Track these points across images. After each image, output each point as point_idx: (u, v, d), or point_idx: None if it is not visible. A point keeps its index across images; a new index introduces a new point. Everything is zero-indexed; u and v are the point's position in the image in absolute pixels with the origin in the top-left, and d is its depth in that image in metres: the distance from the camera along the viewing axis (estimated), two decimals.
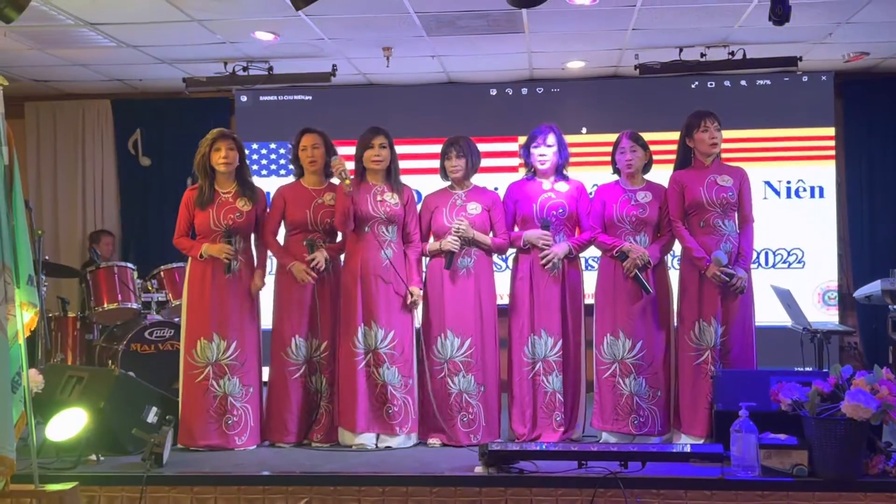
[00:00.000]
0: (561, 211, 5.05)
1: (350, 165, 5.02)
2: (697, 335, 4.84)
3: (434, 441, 4.99)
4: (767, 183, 7.54)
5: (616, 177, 5.12)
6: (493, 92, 7.83)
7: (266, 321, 5.19)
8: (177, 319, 6.34)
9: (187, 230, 5.11)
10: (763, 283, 6.15)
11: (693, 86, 7.59)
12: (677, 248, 5.06)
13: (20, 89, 7.84)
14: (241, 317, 5.03)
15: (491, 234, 5.12)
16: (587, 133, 7.63)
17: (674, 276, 5.06)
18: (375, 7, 5.53)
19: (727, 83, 7.60)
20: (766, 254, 7.51)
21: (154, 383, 5.21)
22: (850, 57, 7.13)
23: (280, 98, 7.93)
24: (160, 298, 6.63)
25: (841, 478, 3.97)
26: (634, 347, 4.91)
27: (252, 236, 5.15)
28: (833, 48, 6.94)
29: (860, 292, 6.62)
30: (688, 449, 4.30)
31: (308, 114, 7.61)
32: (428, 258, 5.17)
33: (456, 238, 4.98)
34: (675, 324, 4.98)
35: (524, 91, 7.81)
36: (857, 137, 7.69)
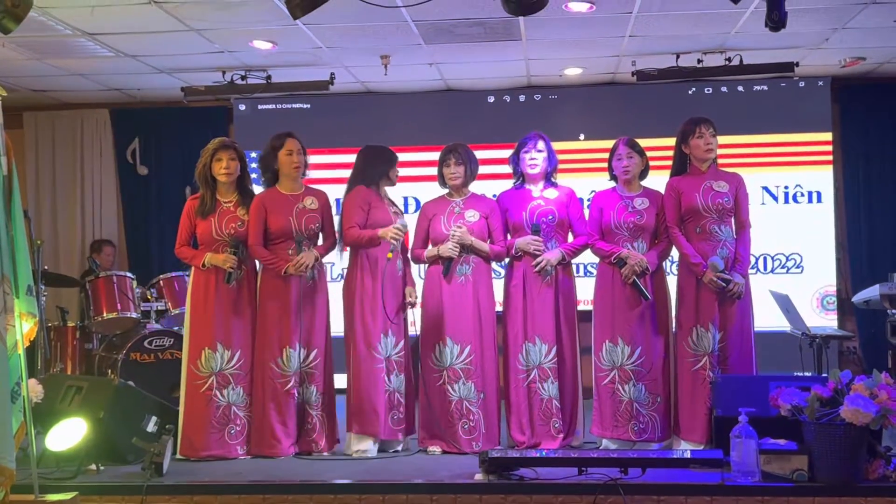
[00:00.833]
0: (551, 217, 5.05)
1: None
2: (695, 341, 4.85)
3: (434, 448, 5.00)
4: (765, 188, 7.55)
5: (613, 183, 5.14)
6: (491, 99, 7.85)
7: None
8: (176, 328, 6.34)
9: (189, 239, 5.11)
10: (762, 288, 6.15)
11: (690, 92, 7.61)
12: (675, 254, 5.07)
13: (19, 99, 7.85)
14: (244, 326, 5.03)
15: (489, 242, 5.13)
16: (585, 139, 7.65)
17: (672, 283, 5.08)
18: (373, 15, 5.55)
19: (724, 89, 7.62)
20: (765, 259, 7.52)
21: (154, 392, 5.22)
22: (847, 62, 7.15)
23: (278, 106, 7.94)
24: (159, 307, 6.62)
25: (841, 482, 3.97)
26: (633, 354, 4.91)
27: None
28: (829, 53, 6.96)
29: (859, 297, 6.63)
30: (688, 455, 4.30)
31: (306, 122, 7.63)
32: (426, 265, 5.18)
33: (455, 245, 4.99)
34: (674, 330, 4.99)
35: (522, 98, 7.83)
36: (855, 142, 7.70)
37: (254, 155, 7.80)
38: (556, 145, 5.24)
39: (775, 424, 4.18)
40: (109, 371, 6.30)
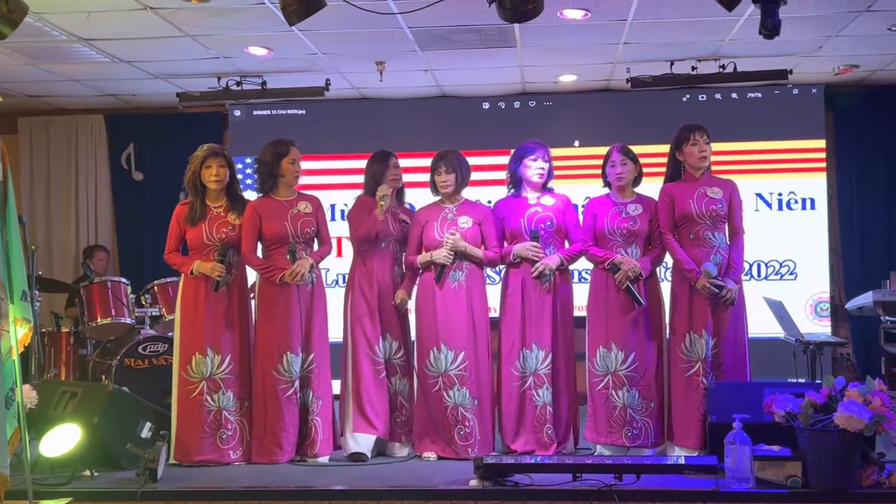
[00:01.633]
0: (549, 223, 5.07)
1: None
2: (688, 347, 4.86)
3: (429, 454, 5.00)
4: (759, 195, 7.57)
5: (607, 190, 5.15)
6: (486, 105, 7.86)
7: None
8: (170, 334, 6.33)
9: (178, 245, 5.12)
10: (755, 294, 6.17)
11: (684, 99, 7.63)
12: (668, 260, 5.08)
13: (14, 105, 7.84)
14: (234, 331, 5.03)
15: (483, 248, 5.13)
16: (579, 146, 7.66)
17: (665, 289, 5.09)
18: (369, 22, 5.56)
19: (718, 96, 7.65)
20: (759, 266, 7.54)
21: (148, 398, 5.21)
22: (840, 70, 7.18)
23: (274, 112, 7.94)
24: (154, 313, 6.61)
25: (835, 489, 3.98)
26: (627, 359, 4.92)
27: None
28: (823, 61, 6.99)
29: (852, 303, 6.65)
30: (682, 461, 4.31)
31: (302, 128, 7.62)
32: (420, 271, 5.18)
33: (449, 253, 5.00)
34: (668, 336, 5.00)
35: (517, 105, 7.84)
36: (848, 149, 7.73)
37: (248, 161, 7.82)
38: (551, 152, 5.25)
39: (769, 431, 4.20)
40: (104, 377, 6.28)
